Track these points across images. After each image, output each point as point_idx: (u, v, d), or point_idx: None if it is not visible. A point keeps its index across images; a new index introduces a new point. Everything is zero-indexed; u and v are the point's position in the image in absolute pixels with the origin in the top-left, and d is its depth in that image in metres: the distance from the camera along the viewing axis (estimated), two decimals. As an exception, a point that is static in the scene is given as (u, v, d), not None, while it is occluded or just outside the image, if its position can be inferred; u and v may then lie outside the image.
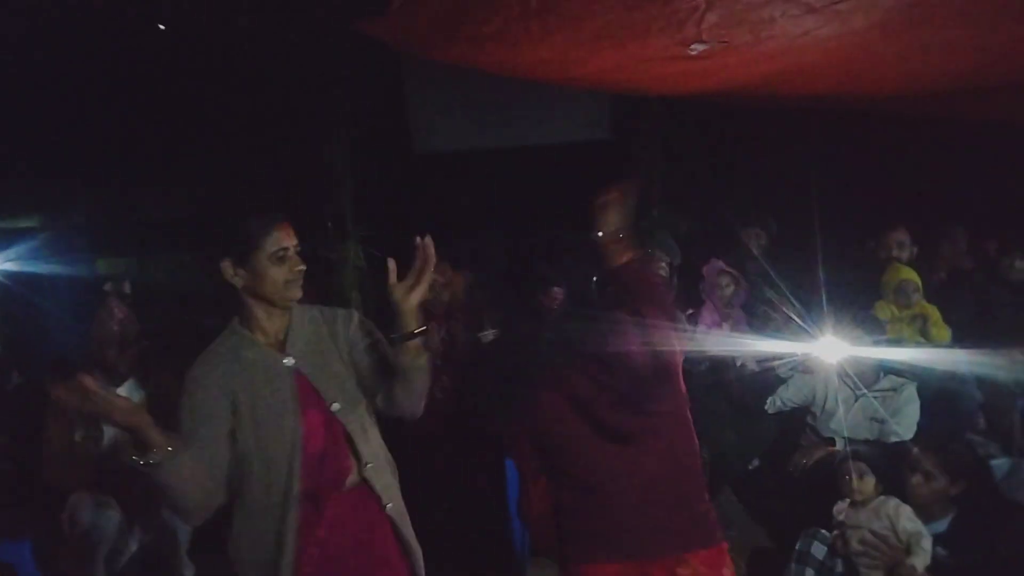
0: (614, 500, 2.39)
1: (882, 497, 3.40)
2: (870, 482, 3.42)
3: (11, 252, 6.82)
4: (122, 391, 3.65)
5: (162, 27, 4.77)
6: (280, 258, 2.28)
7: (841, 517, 3.45)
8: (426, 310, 4.17)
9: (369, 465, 2.37)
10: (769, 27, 3.14)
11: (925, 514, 3.36)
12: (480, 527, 4.21)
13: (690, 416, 2.54)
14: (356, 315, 2.53)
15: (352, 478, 2.36)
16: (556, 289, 3.41)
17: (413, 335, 2.29)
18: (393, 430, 2.56)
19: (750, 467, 4.58)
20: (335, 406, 2.35)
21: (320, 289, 4.93)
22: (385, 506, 2.39)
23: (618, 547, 2.39)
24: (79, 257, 6.65)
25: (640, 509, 2.38)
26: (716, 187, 6.10)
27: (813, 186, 4.73)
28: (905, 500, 3.37)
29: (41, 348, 5.98)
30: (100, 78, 5.83)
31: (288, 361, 2.33)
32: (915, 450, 3.47)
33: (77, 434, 3.50)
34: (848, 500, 3.45)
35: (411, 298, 2.27)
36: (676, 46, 3.39)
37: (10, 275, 6.68)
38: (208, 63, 5.37)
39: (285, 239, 2.30)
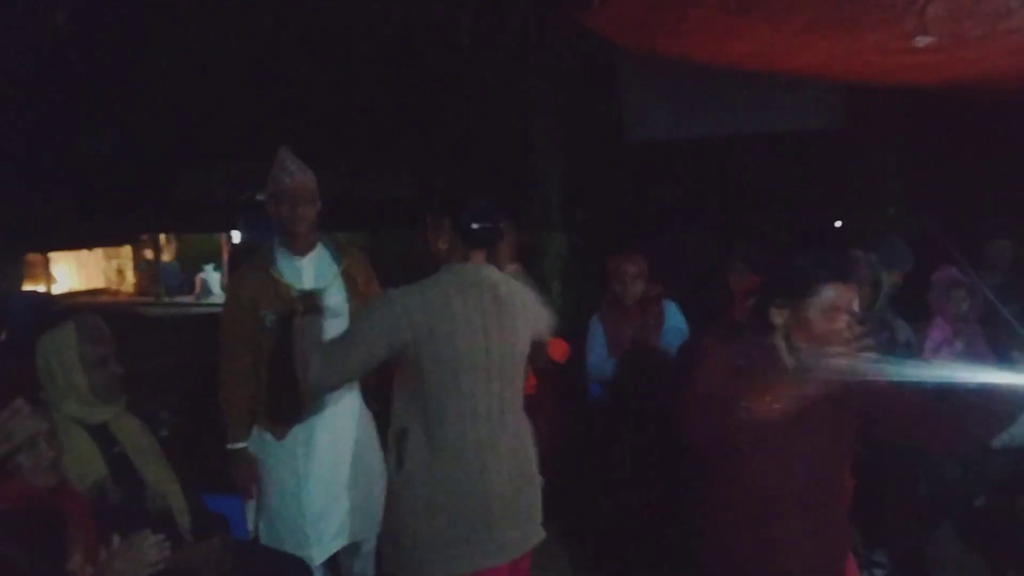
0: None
1: None
2: None
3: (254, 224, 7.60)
4: None
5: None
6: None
7: None
8: (619, 302, 4.17)
9: None
10: (1006, 20, 2.79)
11: None
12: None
13: None
14: None
15: None
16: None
17: None
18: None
19: (976, 504, 4.14)
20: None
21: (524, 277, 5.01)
22: None
23: None
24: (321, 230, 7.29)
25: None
26: (961, 187, 5.44)
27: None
28: None
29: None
30: (340, 76, 6.25)
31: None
32: None
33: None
34: None
35: None
36: (896, 39, 3.10)
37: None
38: (429, 58, 5.58)
39: None
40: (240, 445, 3.03)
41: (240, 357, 3.03)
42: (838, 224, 5.79)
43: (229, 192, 12.12)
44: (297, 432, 3.04)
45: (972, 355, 4.40)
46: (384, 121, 6.35)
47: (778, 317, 2.10)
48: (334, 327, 2.96)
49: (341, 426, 3.10)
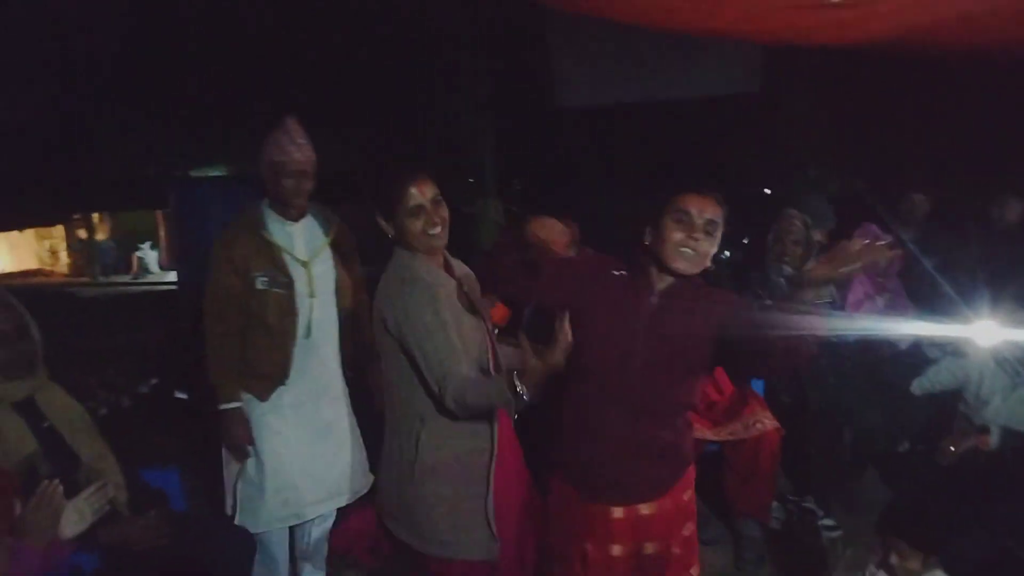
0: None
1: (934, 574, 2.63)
2: (916, 561, 2.60)
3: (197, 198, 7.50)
4: None
5: None
6: (415, 212, 2.38)
7: None
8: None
9: None
10: None
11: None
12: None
13: None
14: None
15: None
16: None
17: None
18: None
19: (899, 449, 4.31)
20: (490, 325, 2.56)
21: (458, 244, 5.03)
22: (513, 418, 2.59)
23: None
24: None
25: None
26: (877, 146, 5.59)
27: (988, 148, 4.24)
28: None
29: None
30: (261, 42, 6.14)
31: (453, 284, 2.48)
32: None
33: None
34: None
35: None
36: (811, -6, 3.13)
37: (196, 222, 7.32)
38: (357, 24, 5.51)
39: (419, 195, 2.40)
40: (234, 405, 3.01)
41: (230, 319, 3.01)
42: (767, 192, 5.91)
43: (164, 167, 11.84)
44: (282, 393, 3.06)
45: (893, 308, 4.57)
46: (310, 90, 6.26)
47: (648, 238, 2.29)
48: (323, 296, 3.07)
49: (326, 388, 3.14)
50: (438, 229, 2.41)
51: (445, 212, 2.44)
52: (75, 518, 2.28)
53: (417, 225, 2.38)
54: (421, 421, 2.39)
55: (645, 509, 2.36)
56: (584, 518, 2.40)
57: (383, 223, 2.45)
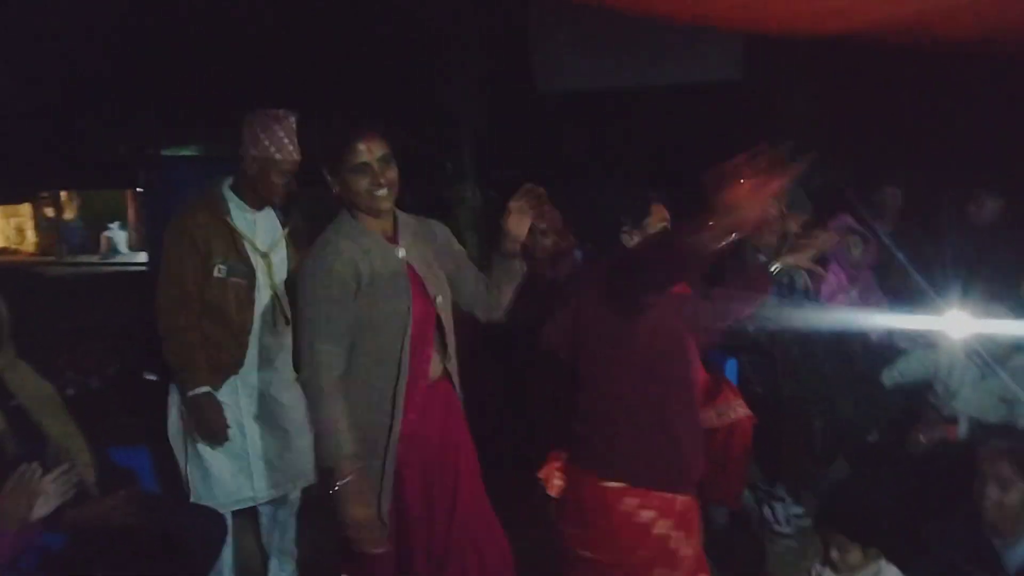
0: None
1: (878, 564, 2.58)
2: (856, 554, 2.56)
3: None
4: None
5: None
6: (360, 170, 2.30)
7: None
8: (529, 254, 4.19)
9: (452, 359, 2.53)
10: None
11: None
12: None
13: None
14: (444, 226, 2.66)
15: (436, 368, 2.49)
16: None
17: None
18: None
19: (869, 439, 4.35)
20: (439, 299, 2.46)
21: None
22: (461, 397, 2.57)
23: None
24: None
25: None
26: (858, 138, 5.62)
27: (969, 143, 4.27)
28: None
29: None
30: (234, 24, 6.06)
31: (400, 252, 2.41)
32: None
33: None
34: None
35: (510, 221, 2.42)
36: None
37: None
38: (340, 10, 5.44)
39: (367, 152, 2.31)
40: (203, 389, 2.93)
41: (191, 304, 2.93)
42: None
43: (134, 147, 11.69)
44: (236, 381, 3.02)
45: (866, 300, 4.61)
46: (293, 76, 6.19)
47: (630, 241, 2.34)
48: (279, 288, 3.04)
49: (280, 374, 3.10)
50: (384, 191, 2.33)
51: (393, 174, 2.35)
52: (42, 500, 2.24)
53: (362, 184, 2.30)
54: None
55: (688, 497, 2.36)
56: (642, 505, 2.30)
57: (328, 178, 2.36)
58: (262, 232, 3.04)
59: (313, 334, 2.30)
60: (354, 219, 2.39)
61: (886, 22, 3.61)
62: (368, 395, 2.36)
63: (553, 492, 2.44)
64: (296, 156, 2.93)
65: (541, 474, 2.46)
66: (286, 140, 2.90)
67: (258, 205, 3.03)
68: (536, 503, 2.48)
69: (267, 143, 2.88)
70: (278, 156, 2.89)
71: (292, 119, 2.92)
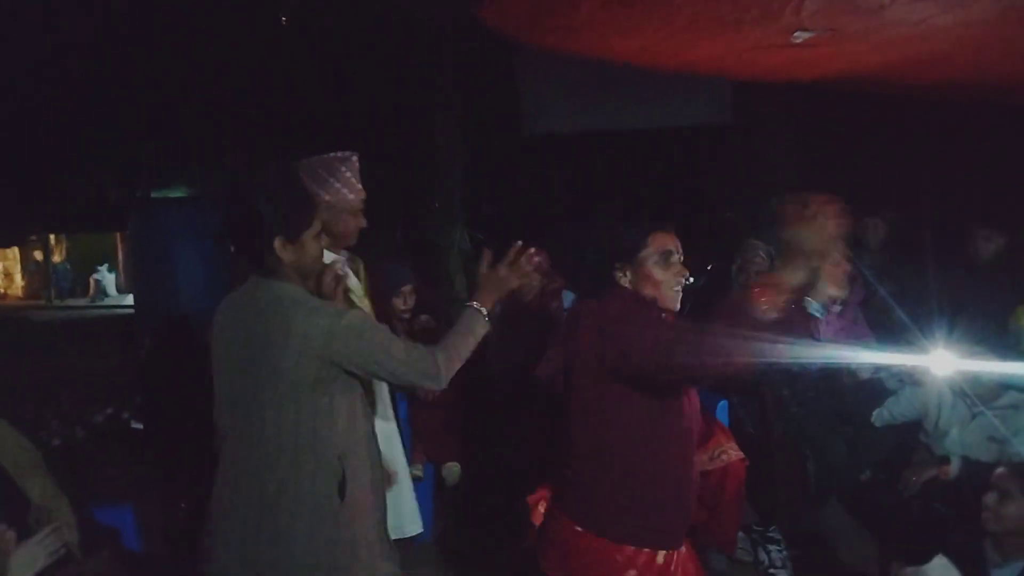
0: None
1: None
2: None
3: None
4: None
5: (284, 20, 4.94)
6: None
7: None
8: (517, 295, 4.19)
9: None
10: (880, 14, 2.94)
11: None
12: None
13: None
14: None
15: None
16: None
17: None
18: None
19: (861, 479, 4.33)
20: None
21: (426, 272, 4.98)
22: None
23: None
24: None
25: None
26: (840, 176, 5.67)
27: (951, 180, 4.32)
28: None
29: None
30: (239, 71, 6.11)
31: None
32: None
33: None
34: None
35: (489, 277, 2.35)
36: (777, 35, 3.23)
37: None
38: (324, 50, 5.50)
39: None
40: None
41: None
42: (729, 215, 5.99)
43: (123, 190, 11.71)
44: None
45: (853, 336, 4.60)
46: (284, 116, 6.23)
47: (623, 278, 2.29)
48: None
49: None
50: None
51: None
52: (27, 562, 2.20)
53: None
54: (342, 459, 2.20)
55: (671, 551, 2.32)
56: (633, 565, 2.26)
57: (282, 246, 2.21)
58: (352, 278, 2.99)
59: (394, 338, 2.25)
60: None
61: (863, 69, 3.70)
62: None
63: (536, 520, 2.44)
64: (364, 194, 2.88)
65: (530, 500, 2.47)
66: (354, 180, 2.85)
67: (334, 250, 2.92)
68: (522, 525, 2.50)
69: (338, 186, 2.81)
70: (351, 197, 2.85)
71: (355, 157, 2.87)
